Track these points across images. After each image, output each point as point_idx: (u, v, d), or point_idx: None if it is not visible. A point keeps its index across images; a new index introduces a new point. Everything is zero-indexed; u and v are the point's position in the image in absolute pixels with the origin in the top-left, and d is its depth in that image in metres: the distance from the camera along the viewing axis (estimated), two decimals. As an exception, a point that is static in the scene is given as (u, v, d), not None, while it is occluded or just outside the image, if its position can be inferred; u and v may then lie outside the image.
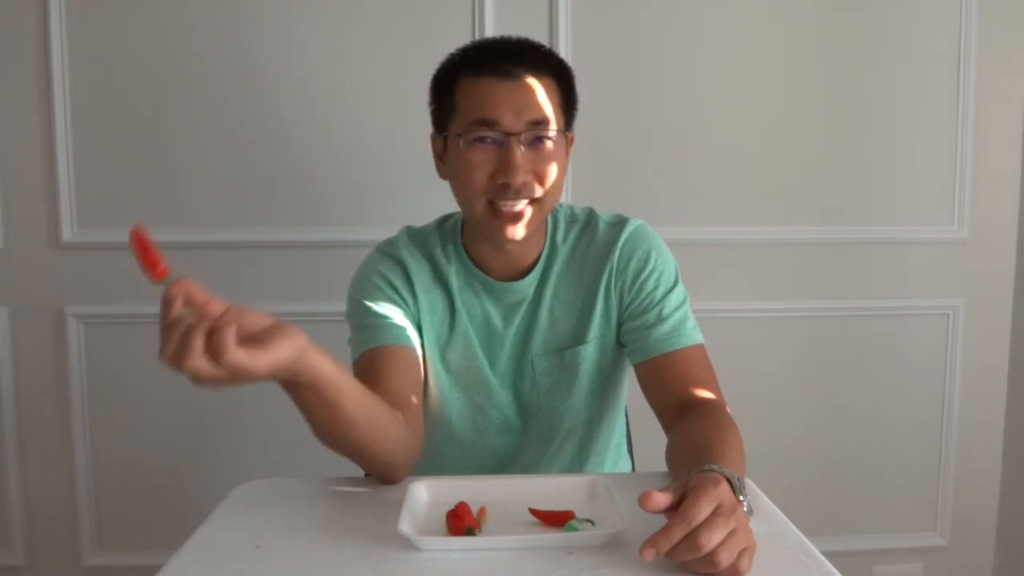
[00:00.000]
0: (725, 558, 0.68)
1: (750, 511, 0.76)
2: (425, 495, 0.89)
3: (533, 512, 0.84)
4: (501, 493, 0.89)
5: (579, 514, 0.83)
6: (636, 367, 1.09)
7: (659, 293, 1.08)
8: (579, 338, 1.11)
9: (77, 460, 1.78)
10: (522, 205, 1.00)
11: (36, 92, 1.69)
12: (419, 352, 1.09)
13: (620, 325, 1.11)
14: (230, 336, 0.64)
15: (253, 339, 0.68)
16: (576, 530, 0.80)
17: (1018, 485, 1.91)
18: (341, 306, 1.13)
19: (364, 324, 1.07)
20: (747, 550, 0.70)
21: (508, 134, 0.99)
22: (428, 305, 1.10)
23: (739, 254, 1.82)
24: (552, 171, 1.02)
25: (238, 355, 0.65)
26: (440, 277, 1.11)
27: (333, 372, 0.78)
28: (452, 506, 0.82)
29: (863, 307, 1.86)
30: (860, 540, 1.92)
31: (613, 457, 1.22)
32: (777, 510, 0.87)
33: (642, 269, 1.09)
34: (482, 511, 0.83)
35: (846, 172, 1.82)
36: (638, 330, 1.07)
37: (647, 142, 1.78)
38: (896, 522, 1.93)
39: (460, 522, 0.80)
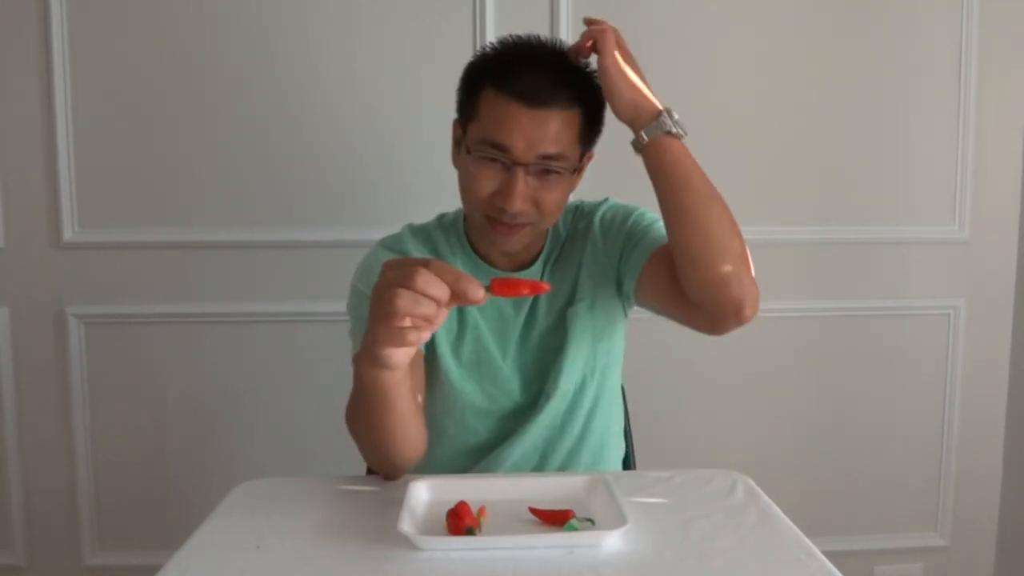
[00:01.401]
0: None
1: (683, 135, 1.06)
2: (425, 495, 0.89)
3: (533, 511, 0.84)
4: (501, 493, 0.90)
5: (579, 513, 0.83)
6: (645, 273, 1.07)
7: (631, 220, 1.13)
8: (569, 300, 1.13)
9: (77, 460, 1.78)
10: (517, 223, 1.02)
11: (37, 92, 1.69)
12: (422, 349, 1.09)
13: (619, 270, 1.12)
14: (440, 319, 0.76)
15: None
16: (576, 529, 0.80)
17: (1019, 485, 1.91)
18: (342, 306, 1.13)
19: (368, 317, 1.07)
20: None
21: (515, 163, 0.99)
22: None
23: (739, 254, 1.82)
24: (555, 199, 1.03)
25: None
26: None
27: (410, 385, 0.89)
28: (452, 506, 0.82)
29: (863, 307, 1.86)
30: (861, 540, 1.92)
31: (615, 441, 1.24)
32: (777, 510, 0.87)
33: (612, 218, 1.15)
34: (482, 511, 0.84)
35: (846, 172, 1.82)
36: (631, 248, 1.10)
37: (647, 142, 1.77)
38: (897, 522, 1.93)
39: (460, 522, 0.80)
